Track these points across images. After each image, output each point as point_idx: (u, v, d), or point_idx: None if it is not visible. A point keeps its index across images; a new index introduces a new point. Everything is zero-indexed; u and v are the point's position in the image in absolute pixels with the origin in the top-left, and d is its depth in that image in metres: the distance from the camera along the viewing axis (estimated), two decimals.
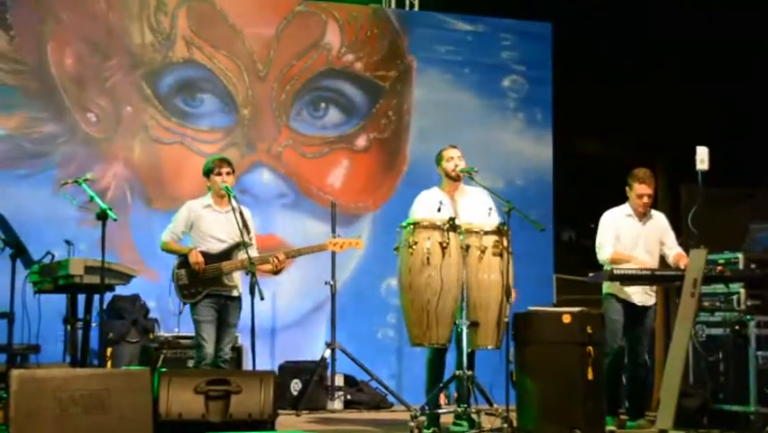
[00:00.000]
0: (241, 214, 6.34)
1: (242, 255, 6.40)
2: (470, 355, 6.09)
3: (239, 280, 6.51)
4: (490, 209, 6.39)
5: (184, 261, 6.41)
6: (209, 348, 6.35)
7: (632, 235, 6.68)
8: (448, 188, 6.47)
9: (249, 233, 6.38)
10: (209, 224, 6.48)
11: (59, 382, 5.32)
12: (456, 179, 6.45)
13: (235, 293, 6.48)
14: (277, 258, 6.42)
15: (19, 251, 6.47)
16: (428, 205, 6.33)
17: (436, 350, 6.19)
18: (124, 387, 5.43)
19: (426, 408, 6.13)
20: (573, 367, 5.91)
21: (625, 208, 6.75)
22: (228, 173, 6.50)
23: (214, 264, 6.38)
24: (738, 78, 9.93)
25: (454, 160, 6.44)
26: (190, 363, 7.22)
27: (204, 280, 6.37)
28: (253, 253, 6.40)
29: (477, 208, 6.42)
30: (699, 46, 10.06)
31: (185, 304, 6.41)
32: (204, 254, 6.38)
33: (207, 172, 6.53)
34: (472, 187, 6.49)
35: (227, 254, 6.42)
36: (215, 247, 6.43)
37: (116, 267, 6.63)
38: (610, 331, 6.44)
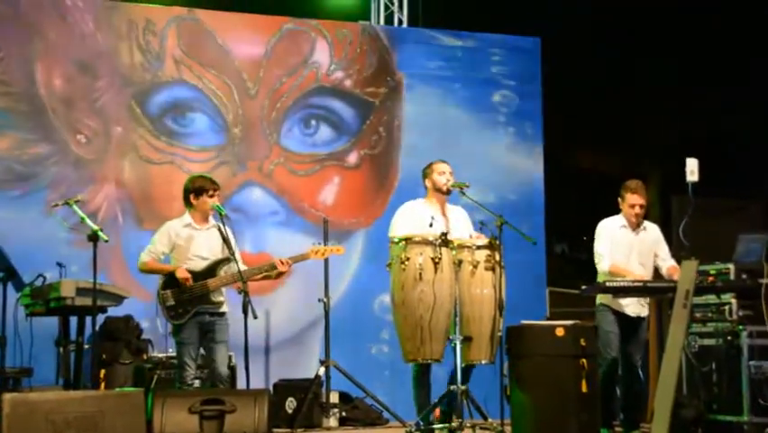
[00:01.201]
0: (220, 230, 6.35)
1: (226, 270, 6.38)
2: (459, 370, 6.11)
3: (225, 296, 6.49)
4: (482, 223, 6.41)
5: (168, 281, 6.35)
6: (191, 370, 6.33)
7: (625, 246, 6.69)
8: (437, 201, 6.46)
9: (230, 249, 6.36)
10: (191, 242, 6.42)
11: (52, 404, 5.31)
12: (447, 193, 6.45)
13: (223, 309, 6.45)
14: (282, 262, 6.40)
15: (9, 274, 6.47)
16: (416, 217, 6.32)
17: (421, 366, 6.19)
18: (118, 408, 5.42)
19: (421, 424, 6.12)
20: (567, 380, 5.91)
21: (619, 219, 6.76)
22: (218, 194, 6.51)
23: (199, 282, 6.35)
24: (729, 92, 9.99)
25: (446, 174, 6.45)
26: None
27: (191, 300, 6.32)
28: (236, 268, 6.37)
29: (463, 226, 6.43)
30: (689, 59, 10.13)
31: (174, 325, 6.36)
32: (189, 272, 6.34)
33: (196, 192, 6.48)
34: (451, 205, 6.51)
35: (211, 271, 6.39)
36: (199, 265, 6.38)
37: (108, 288, 6.63)
38: (603, 343, 6.44)
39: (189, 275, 6.29)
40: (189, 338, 6.33)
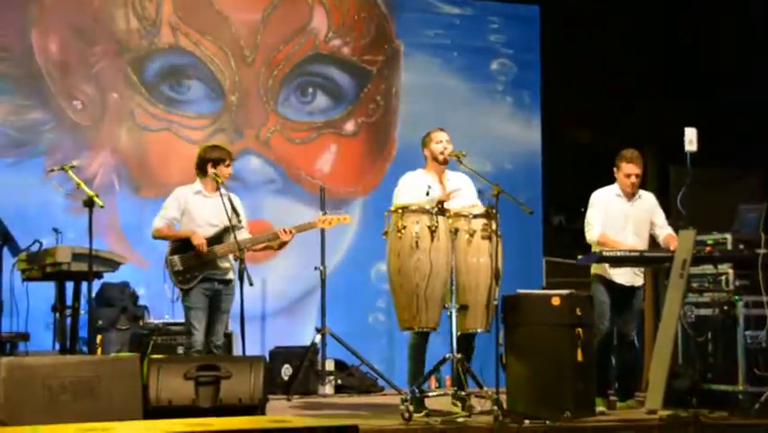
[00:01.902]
0: (230, 199, 6.39)
1: (233, 239, 6.41)
2: (469, 338, 6.13)
3: (233, 263, 6.51)
4: (479, 192, 6.39)
5: (176, 247, 6.41)
6: (199, 335, 6.36)
7: (621, 215, 6.69)
8: (435, 170, 6.45)
9: (238, 216, 6.42)
10: (201, 209, 6.49)
11: (48, 369, 5.32)
12: (443, 162, 6.43)
13: (230, 276, 6.49)
14: (285, 231, 6.43)
15: (6, 239, 6.47)
16: (415, 187, 6.31)
17: (419, 334, 6.20)
18: (114, 374, 5.44)
19: (416, 391, 6.13)
20: (563, 349, 5.93)
21: (614, 188, 6.76)
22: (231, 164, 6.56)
23: (207, 248, 6.37)
24: (727, 61, 9.94)
25: (443, 143, 6.42)
26: (180, 350, 7.21)
27: (198, 265, 6.37)
28: (245, 235, 6.42)
29: (466, 192, 6.42)
30: (686, 28, 10.07)
31: (181, 290, 6.40)
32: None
33: (214, 162, 6.47)
34: (453, 172, 6.49)
35: (219, 238, 6.43)
36: (208, 232, 6.43)
37: (104, 254, 6.64)
38: (598, 312, 6.45)
39: (205, 241, 6.33)
40: (197, 303, 6.37)
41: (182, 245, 6.40)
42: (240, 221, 6.43)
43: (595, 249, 6.61)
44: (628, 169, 6.65)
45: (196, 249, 6.33)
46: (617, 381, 6.78)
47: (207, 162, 6.51)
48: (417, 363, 6.26)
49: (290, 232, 6.50)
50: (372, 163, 9.13)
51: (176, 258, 6.39)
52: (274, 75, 8.92)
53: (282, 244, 6.55)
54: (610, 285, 6.61)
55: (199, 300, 6.38)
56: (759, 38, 9.63)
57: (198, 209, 6.48)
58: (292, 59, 8.97)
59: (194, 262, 6.37)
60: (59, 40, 8.35)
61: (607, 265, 6.54)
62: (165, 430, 4.88)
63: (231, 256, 6.48)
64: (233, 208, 6.40)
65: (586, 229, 6.69)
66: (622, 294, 6.64)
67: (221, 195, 6.37)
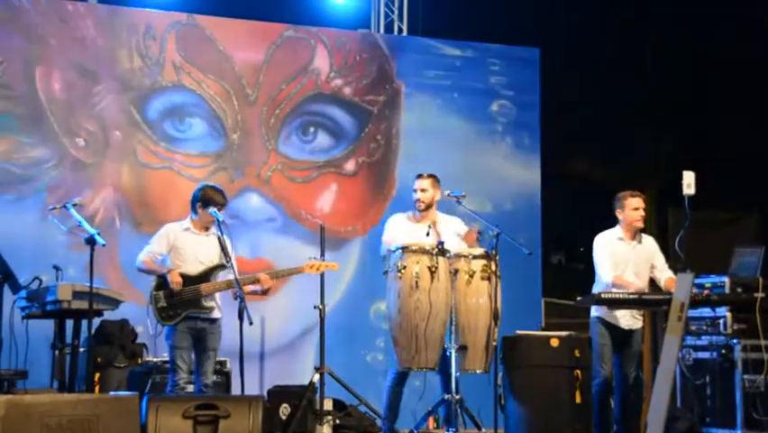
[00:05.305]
0: (219, 239, 6.36)
1: (221, 277, 6.40)
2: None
3: (219, 303, 6.50)
4: (459, 235, 6.44)
5: (161, 283, 6.40)
6: (184, 374, 6.35)
7: (622, 259, 6.71)
8: (424, 215, 6.49)
9: (227, 257, 6.37)
10: (189, 246, 6.48)
11: (46, 407, 5.31)
12: (423, 209, 6.47)
13: (215, 315, 6.46)
14: (266, 277, 6.41)
15: (6, 276, 6.46)
16: (399, 231, 6.34)
17: (399, 375, 6.21)
18: (112, 412, 5.43)
19: (415, 431, 6.12)
20: (561, 391, 5.94)
21: (616, 232, 6.78)
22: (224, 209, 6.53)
23: (192, 286, 6.37)
24: (725, 106, 10.04)
25: (417, 192, 6.49)
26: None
27: (182, 303, 6.35)
28: (229, 276, 6.39)
29: (451, 235, 6.45)
30: (686, 73, 10.17)
31: (164, 326, 6.39)
32: (182, 276, 6.36)
33: (205, 203, 6.49)
34: (443, 215, 6.53)
35: (205, 276, 6.42)
36: (194, 269, 6.42)
37: (104, 292, 6.63)
38: (598, 355, 6.45)
39: (180, 280, 6.32)
40: (181, 342, 6.36)
41: (167, 281, 6.39)
42: (229, 261, 6.38)
43: (595, 290, 6.62)
44: (636, 203, 6.67)
45: (171, 286, 6.31)
46: (616, 423, 6.77)
47: (197, 202, 6.47)
48: (392, 402, 6.27)
49: (265, 280, 6.44)
50: (372, 203, 9.17)
51: (160, 294, 6.37)
52: (276, 114, 8.97)
53: (266, 291, 6.49)
54: (610, 327, 6.62)
55: (183, 339, 6.36)
56: (761, 81, 9.73)
57: (187, 246, 6.47)
58: (294, 99, 9.03)
59: (178, 300, 6.35)
60: (63, 78, 8.41)
61: (606, 307, 6.54)
62: None
63: (217, 296, 6.47)
64: (223, 248, 6.36)
65: (599, 272, 6.69)
66: (621, 336, 6.65)
67: (217, 235, 6.36)
